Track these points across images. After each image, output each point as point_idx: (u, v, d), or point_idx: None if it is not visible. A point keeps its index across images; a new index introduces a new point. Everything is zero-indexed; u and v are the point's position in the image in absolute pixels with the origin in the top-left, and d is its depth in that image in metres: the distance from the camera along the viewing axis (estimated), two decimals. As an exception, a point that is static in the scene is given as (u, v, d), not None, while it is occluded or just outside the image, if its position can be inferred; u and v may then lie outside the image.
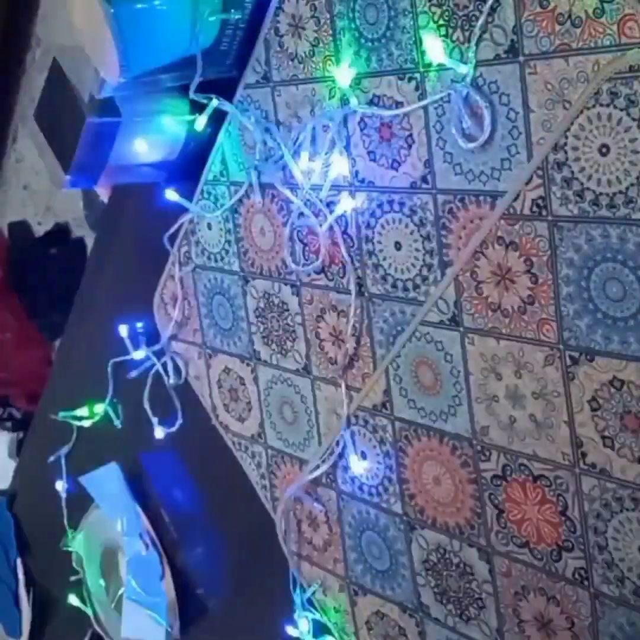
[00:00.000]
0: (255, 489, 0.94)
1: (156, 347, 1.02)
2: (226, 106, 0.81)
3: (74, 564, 1.25)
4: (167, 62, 0.77)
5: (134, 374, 1.05)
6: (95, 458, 1.16)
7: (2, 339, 2.40)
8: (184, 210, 0.92)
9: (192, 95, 0.79)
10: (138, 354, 1.04)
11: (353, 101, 0.71)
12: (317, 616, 0.89)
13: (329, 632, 0.89)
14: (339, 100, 0.73)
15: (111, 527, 1.12)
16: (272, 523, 0.92)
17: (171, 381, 1.01)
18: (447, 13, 0.63)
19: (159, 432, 1.05)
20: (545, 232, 0.61)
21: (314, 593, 0.90)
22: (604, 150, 0.56)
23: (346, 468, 0.82)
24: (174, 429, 1.03)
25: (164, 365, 1.02)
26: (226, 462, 0.97)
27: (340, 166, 0.74)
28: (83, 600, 1.26)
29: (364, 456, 0.80)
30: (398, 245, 0.72)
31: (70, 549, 1.24)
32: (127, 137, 0.84)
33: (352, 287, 0.76)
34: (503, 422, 0.67)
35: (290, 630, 0.89)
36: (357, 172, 0.73)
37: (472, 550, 0.73)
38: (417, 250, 0.70)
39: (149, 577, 1.08)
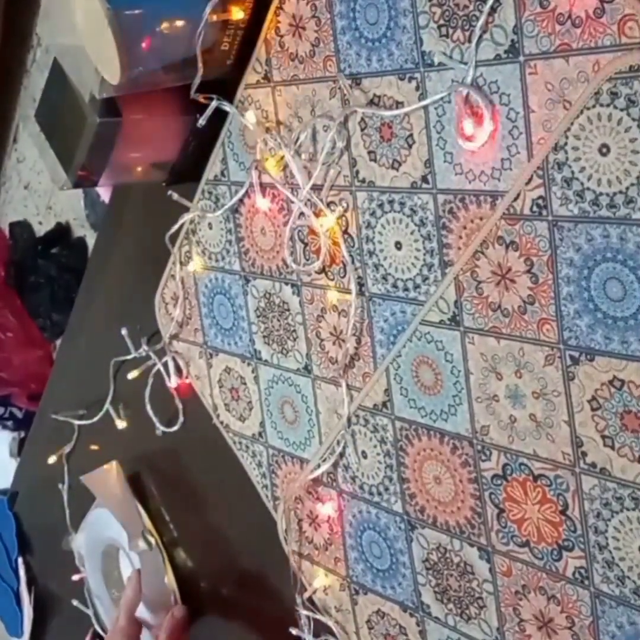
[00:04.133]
0: (256, 488, 0.94)
1: (157, 347, 1.02)
2: (227, 106, 0.81)
3: (76, 562, 1.25)
4: (168, 62, 0.78)
5: (135, 373, 1.06)
6: (96, 457, 1.17)
7: (3, 339, 2.40)
8: (185, 210, 0.92)
9: (192, 95, 0.79)
10: (139, 354, 1.04)
11: (353, 101, 0.71)
12: (318, 615, 0.89)
13: (330, 632, 0.89)
14: (340, 100, 0.73)
15: (112, 526, 1.12)
16: (273, 522, 0.92)
17: (172, 381, 1.01)
18: (447, 13, 0.63)
19: (160, 432, 1.05)
20: (545, 232, 0.61)
21: (314, 592, 0.90)
22: (604, 150, 0.56)
23: (347, 467, 0.82)
24: (174, 428, 1.03)
25: (165, 365, 1.02)
26: (227, 462, 0.97)
27: (340, 166, 0.74)
28: (84, 600, 1.26)
29: (364, 455, 0.80)
30: (398, 245, 0.72)
31: (71, 548, 1.25)
32: (128, 137, 0.84)
33: (353, 287, 0.76)
34: (503, 421, 0.68)
35: (291, 629, 0.89)
36: (357, 172, 0.73)
37: (473, 549, 0.73)
38: (417, 250, 0.70)
39: (150, 576, 1.08)
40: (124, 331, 1.06)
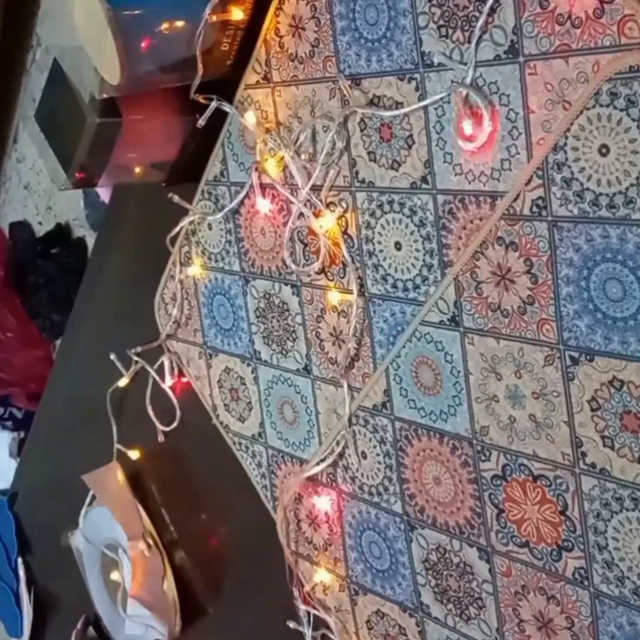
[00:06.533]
0: (255, 489, 0.94)
1: (154, 344, 1.02)
2: (226, 107, 0.81)
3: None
4: (167, 62, 0.78)
5: (125, 380, 1.06)
6: (96, 457, 1.16)
7: (3, 339, 2.40)
8: (185, 210, 0.92)
9: (192, 95, 0.79)
10: (134, 365, 1.05)
11: (353, 102, 0.71)
12: (317, 611, 0.89)
13: (330, 632, 0.89)
14: (339, 101, 0.73)
15: (112, 526, 1.12)
16: (273, 523, 0.92)
17: (167, 380, 1.01)
18: (447, 13, 0.63)
19: (160, 432, 1.05)
20: (545, 233, 0.61)
21: (314, 587, 0.90)
22: (603, 150, 0.56)
23: (346, 468, 0.82)
24: (172, 426, 1.03)
25: (163, 365, 1.02)
26: (226, 462, 0.97)
27: (340, 166, 0.74)
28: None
29: (364, 456, 0.80)
30: (398, 246, 0.72)
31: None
32: (128, 138, 0.84)
33: (353, 288, 0.76)
34: (503, 422, 0.68)
35: (288, 622, 0.89)
36: (357, 173, 0.73)
37: (472, 549, 0.73)
38: (417, 250, 0.70)
39: (150, 576, 1.08)
40: (112, 356, 1.07)
